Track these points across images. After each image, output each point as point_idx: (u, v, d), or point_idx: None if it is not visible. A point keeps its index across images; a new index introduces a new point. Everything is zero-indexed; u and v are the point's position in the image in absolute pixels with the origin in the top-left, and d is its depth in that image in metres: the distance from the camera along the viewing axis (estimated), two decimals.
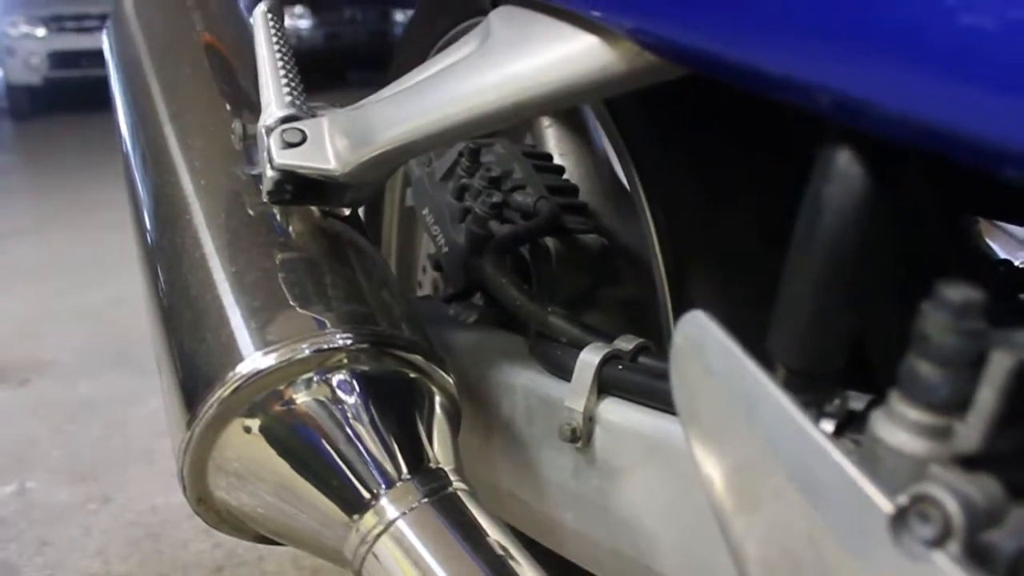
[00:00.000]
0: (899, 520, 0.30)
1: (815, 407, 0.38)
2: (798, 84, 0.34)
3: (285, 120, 0.58)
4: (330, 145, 0.56)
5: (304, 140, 0.57)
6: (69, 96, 8.16)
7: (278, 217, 0.64)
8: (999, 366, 0.29)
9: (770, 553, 0.36)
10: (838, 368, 0.36)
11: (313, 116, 0.59)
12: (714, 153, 0.60)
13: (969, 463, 0.31)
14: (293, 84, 0.61)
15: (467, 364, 0.62)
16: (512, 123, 0.62)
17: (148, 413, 1.91)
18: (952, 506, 0.29)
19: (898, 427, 0.32)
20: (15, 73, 7.82)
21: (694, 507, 0.50)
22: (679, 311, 0.63)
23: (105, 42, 1.05)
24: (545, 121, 0.90)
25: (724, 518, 0.39)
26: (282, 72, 0.61)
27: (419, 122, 0.52)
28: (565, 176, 0.81)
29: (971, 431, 0.29)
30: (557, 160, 0.85)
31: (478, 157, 0.77)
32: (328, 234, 0.64)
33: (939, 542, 0.29)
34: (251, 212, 0.65)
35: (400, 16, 10.13)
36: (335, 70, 8.30)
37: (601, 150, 0.93)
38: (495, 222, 0.72)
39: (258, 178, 0.67)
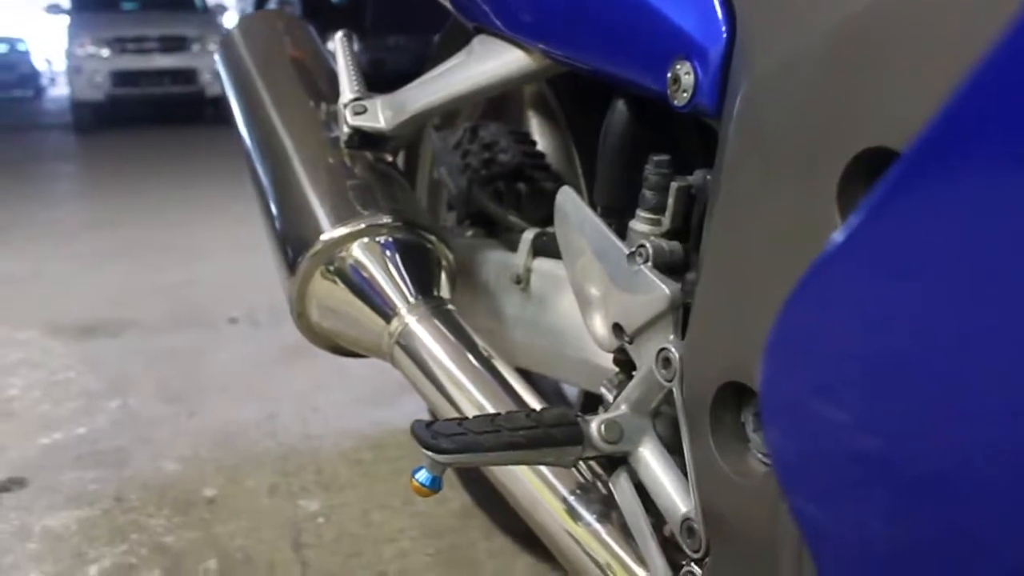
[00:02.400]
0: (630, 257, 0.69)
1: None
2: (599, 72, 0.75)
3: (355, 100, 1.00)
4: (381, 114, 0.98)
5: (365, 111, 0.99)
6: (128, 112, 8.76)
7: (345, 158, 1.06)
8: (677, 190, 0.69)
9: (589, 299, 0.76)
10: (618, 203, 0.77)
11: (369, 98, 1.01)
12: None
13: (669, 235, 0.70)
14: (359, 80, 1.03)
15: (465, 252, 1.03)
16: (482, 98, 1.04)
17: (221, 361, 2.33)
18: (654, 244, 0.68)
19: (638, 222, 0.71)
20: (81, 90, 8.43)
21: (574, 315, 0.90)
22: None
23: (218, 61, 1.44)
24: (529, 111, 1.31)
25: (577, 297, 0.79)
26: (353, 74, 1.03)
27: (432, 98, 0.93)
28: (538, 148, 1.22)
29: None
30: (536, 138, 1.26)
31: (477, 133, 1.19)
32: (376, 167, 1.05)
33: (646, 262, 0.69)
34: (330, 153, 1.07)
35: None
36: (380, 92, 8.78)
37: (566, 131, 1.34)
38: (484, 171, 1.14)
39: (337, 139, 1.09)
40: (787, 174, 0.48)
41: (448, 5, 1.01)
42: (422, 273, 0.95)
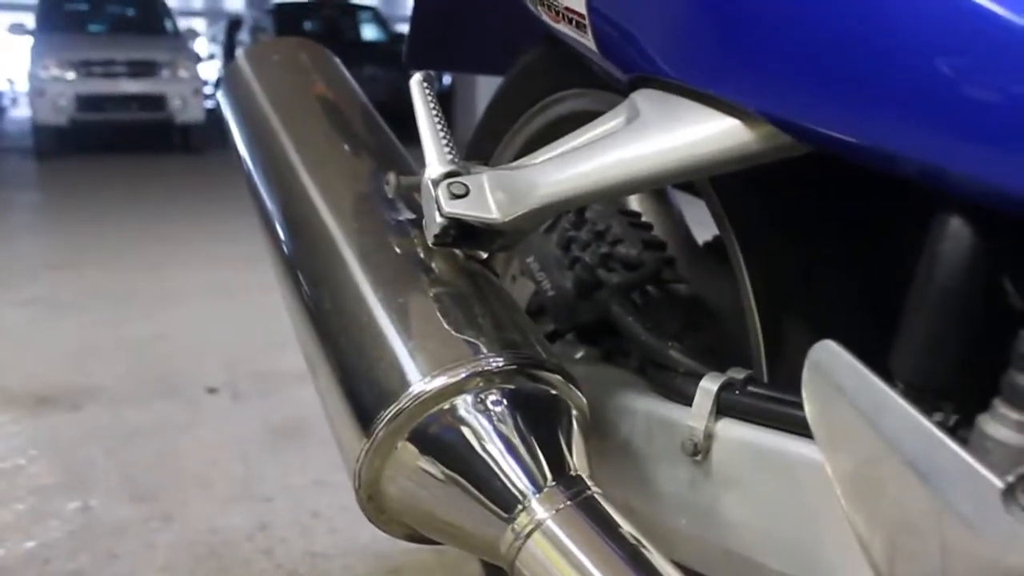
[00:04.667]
0: (1009, 493, 0.40)
1: (928, 414, 0.49)
2: (926, 167, 0.45)
3: (449, 175, 0.69)
4: (491, 198, 0.67)
5: (467, 193, 0.68)
6: (93, 138, 8.36)
7: (422, 256, 0.75)
8: None
9: (895, 532, 0.46)
10: (947, 383, 0.47)
11: (469, 173, 0.70)
12: (811, 226, 0.71)
13: None
14: (450, 144, 0.72)
15: (585, 391, 0.73)
16: (658, 187, 0.74)
17: (198, 444, 1.99)
18: None
19: (1002, 425, 0.42)
20: (43, 114, 8.01)
21: (803, 508, 0.60)
22: (772, 359, 0.73)
23: (222, 99, 1.13)
24: None
25: (853, 507, 0.49)
26: (441, 134, 0.73)
27: (579, 183, 0.63)
28: (656, 234, 0.92)
29: None
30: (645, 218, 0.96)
31: (583, 213, 0.89)
32: (467, 271, 0.75)
33: None
34: (399, 252, 0.76)
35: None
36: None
37: (677, 210, 1.04)
38: (602, 270, 0.83)
39: (406, 224, 0.78)
40: None
41: (588, 49, 0.71)
42: (553, 439, 0.65)
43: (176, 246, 4.24)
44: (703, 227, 1.05)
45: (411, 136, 1.00)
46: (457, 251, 0.75)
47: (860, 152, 0.50)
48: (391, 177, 0.78)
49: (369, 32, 10.96)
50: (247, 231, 4.24)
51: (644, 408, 0.72)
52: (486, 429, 0.64)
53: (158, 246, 4.23)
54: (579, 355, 0.84)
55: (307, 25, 10.44)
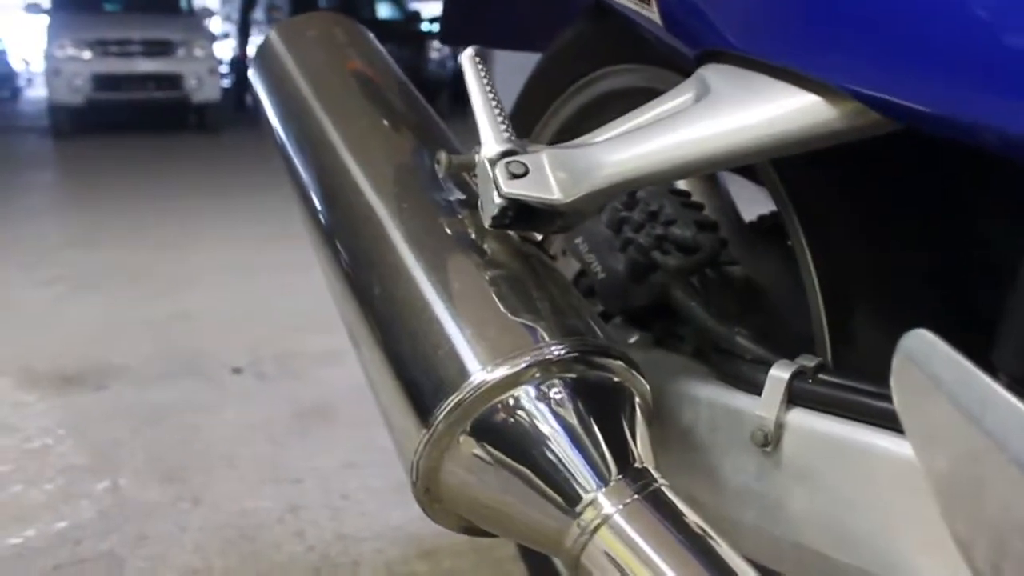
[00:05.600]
0: None
1: None
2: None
3: (506, 154, 0.67)
4: (552, 177, 0.64)
5: (527, 172, 0.65)
6: (109, 117, 8.37)
7: (475, 238, 0.72)
8: None
9: (1001, 535, 0.44)
10: None
11: (528, 152, 0.67)
12: (879, 206, 0.68)
13: None
14: (506, 121, 0.70)
15: (649, 375, 0.70)
16: (731, 167, 0.71)
17: (225, 425, 1.98)
18: None
19: None
20: (59, 93, 8.02)
21: (881, 502, 0.57)
22: (836, 345, 0.70)
23: (255, 77, 1.10)
24: None
25: (951, 507, 0.47)
26: (496, 111, 0.70)
27: (646, 161, 0.60)
28: (707, 215, 0.89)
29: None
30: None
31: (634, 193, 0.86)
32: (522, 253, 0.72)
33: None
34: (451, 233, 0.73)
35: (435, 53, 10.37)
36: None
37: (725, 189, 1.01)
38: (657, 252, 0.81)
39: (456, 204, 0.76)
40: None
41: (652, 23, 0.68)
42: (617, 429, 0.62)
43: (194, 225, 4.24)
44: (745, 204, 1.03)
45: None
46: (511, 232, 0.72)
47: (957, 129, 0.48)
48: (442, 156, 0.75)
49: (384, 10, 10.91)
50: (264, 211, 4.24)
51: (708, 396, 0.69)
52: (549, 420, 0.61)
53: (176, 225, 4.22)
54: (633, 339, 0.82)
55: (322, 3, 10.38)
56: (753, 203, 1.01)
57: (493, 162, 0.67)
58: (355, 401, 1.99)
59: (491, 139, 0.68)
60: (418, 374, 0.65)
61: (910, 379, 0.49)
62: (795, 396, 0.62)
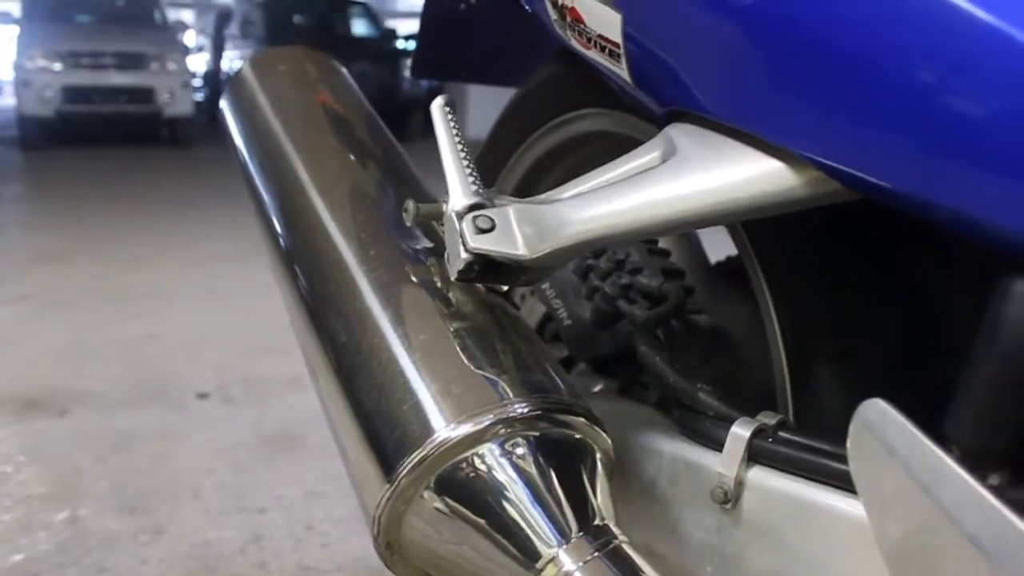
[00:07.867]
0: None
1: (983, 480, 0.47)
2: (992, 228, 0.44)
3: (473, 207, 0.67)
4: (519, 233, 0.64)
5: (493, 227, 0.65)
6: (79, 130, 8.28)
7: (441, 287, 0.72)
8: None
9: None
10: (1007, 450, 0.45)
11: (495, 206, 0.67)
12: (844, 272, 0.69)
13: None
14: (475, 174, 0.70)
15: (608, 430, 0.71)
16: (694, 229, 0.72)
17: (189, 452, 1.95)
18: None
19: None
20: (29, 105, 7.92)
21: (838, 563, 0.58)
22: (798, 398, 0.71)
23: (226, 110, 1.09)
24: None
25: (900, 574, 0.47)
26: (465, 163, 0.70)
27: (612, 221, 0.61)
28: (674, 262, 0.90)
29: None
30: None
31: None
32: (488, 305, 0.72)
33: None
34: (417, 283, 0.73)
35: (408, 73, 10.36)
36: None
37: (694, 236, 1.02)
38: (623, 301, 0.81)
39: (423, 253, 0.76)
40: None
41: (621, 79, 0.69)
42: (579, 486, 0.62)
43: (165, 242, 4.20)
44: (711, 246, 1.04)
45: (399, 135, 0.98)
46: (480, 285, 0.73)
47: (917, 206, 0.48)
48: (410, 205, 0.75)
49: (360, 27, 10.89)
50: (232, 228, 4.17)
51: (670, 450, 0.69)
52: (511, 477, 0.61)
53: (147, 241, 4.18)
54: (597, 388, 0.82)
55: (297, 19, 10.36)
56: (724, 244, 1.02)
57: (460, 215, 0.67)
58: (322, 427, 1.97)
59: (459, 192, 0.68)
60: (382, 427, 0.65)
61: (865, 447, 0.50)
62: (755, 454, 0.63)
